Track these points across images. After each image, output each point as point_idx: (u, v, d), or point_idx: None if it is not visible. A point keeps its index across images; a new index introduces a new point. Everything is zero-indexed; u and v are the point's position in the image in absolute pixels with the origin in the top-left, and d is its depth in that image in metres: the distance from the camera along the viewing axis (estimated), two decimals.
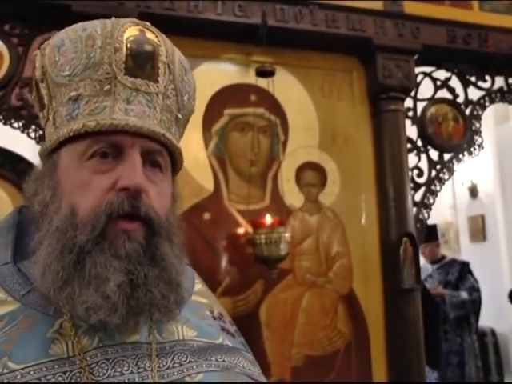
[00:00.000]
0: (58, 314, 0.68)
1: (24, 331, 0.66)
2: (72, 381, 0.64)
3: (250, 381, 0.77)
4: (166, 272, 0.69)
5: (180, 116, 0.77)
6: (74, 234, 0.66)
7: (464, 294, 4.04)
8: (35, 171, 0.76)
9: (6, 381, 0.61)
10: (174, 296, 0.70)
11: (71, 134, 0.69)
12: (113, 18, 0.74)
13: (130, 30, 0.72)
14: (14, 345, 0.64)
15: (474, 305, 4.05)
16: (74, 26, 0.74)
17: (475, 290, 4.10)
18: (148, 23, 0.76)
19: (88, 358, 0.66)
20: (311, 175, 2.24)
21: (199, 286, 0.89)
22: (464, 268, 4.22)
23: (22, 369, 0.63)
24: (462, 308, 3.99)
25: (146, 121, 0.71)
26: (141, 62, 0.71)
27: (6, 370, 0.62)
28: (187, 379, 0.71)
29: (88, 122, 0.69)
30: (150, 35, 0.73)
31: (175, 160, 0.79)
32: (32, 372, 0.63)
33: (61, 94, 0.72)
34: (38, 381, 0.62)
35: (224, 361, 0.76)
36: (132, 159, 0.69)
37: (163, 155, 0.74)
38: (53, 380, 0.63)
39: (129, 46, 0.70)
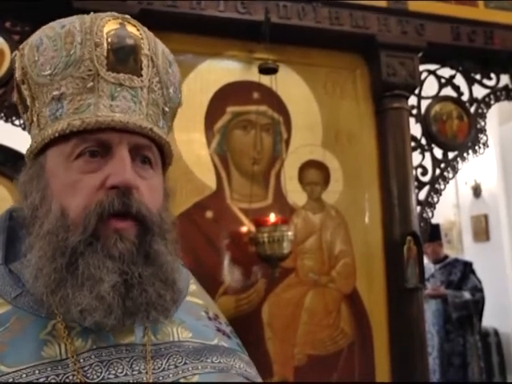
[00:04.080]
0: (50, 316, 0.67)
1: (16, 333, 0.65)
2: None
3: (247, 382, 0.76)
4: (161, 270, 0.69)
5: (167, 109, 0.76)
6: (65, 236, 0.65)
7: (467, 295, 4.01)
8: (23, 174, 0.75)
9: None
10: (170, 294, 0.69)
11: (56, 134, 0.68)
12: (91, 13, 0.72)
13: (110, 24, 0.70)
14: (6, 347, 0.63)
15: (477, 305, 4.03)
16: (51, 23, 0.73)
17: (478, 290, 4.08)
18: (128, 16, 0.74)
19: (81, 361, 0.65)
20: (314, 173, 2.22)
21: (194, 286, 0.88)
22: (467, 268, 4.20)
23: (14, 372, 0.62)
24: (465, 308, 3.97)
25: (132, 116, 0.69)
26: (123, 57, 0.69)
27: None
28: (182, 381, 0.70)
29: (73, 121, 0.67)
30: (130, 28, 0.71)
31: (165, 154, 0.77)
32: (24, 375, 0.62)
33: (43, 94, 0.70)
34: None
35: (220, 362, 0.75)
36: (120, 156, 0.67)
37: (152, 150, 0.73)
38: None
39: (109, 40, 0.69)
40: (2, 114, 1.87)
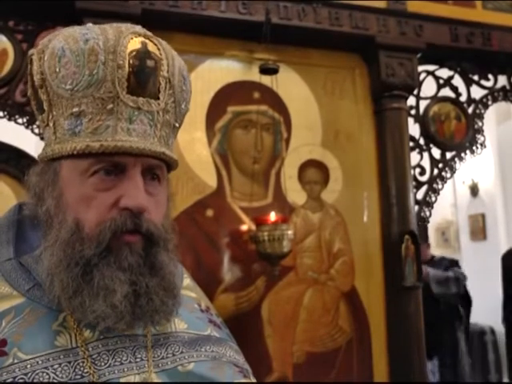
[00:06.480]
0: (60, 309, 0.73)
1: (31, 324, 0.71)
2: (76, 370, 0.69)
3: (236, 369, 0.84)
4: (165, 280, 0.75)
5: (177, 125, 0.81)
6: (80, 248, 0.71)
7: (449, 273, 4.00)
8: (36, 174, 0.78)
9: (17, 370, 0.67)
10: (172, 300, 0.76)
11: (75, 152, 0.72)
12: (114, 26, 0.73)
13: (133, 43, 0.72)
14: (23, 336, 0.69)
15: (458, 282, 3.99)
16: (72, 32, 0.73)
17: (461, 277, 4.04)
18: (150, 33, 0.76)
19: (90, 349, 0.72)
20: (314, 173, 2.24)
21: (187, 280, 0.96)
22: (452, 263, 4.19)
23: (30, 359, 0.68)
24: (446, 283, 3.92)
25: (148, 139, 0.73)
26: (143, 80, 0.72)
27: (16, 360, 0.67)
28: (180, 368, 0.77)
29: (92, 142, 0.71)
30: (151, 47, 0.73)
31: (170, 167, 0.82)
32: (40, 362, 0.68)
33: (62, 105, 0.73)
34: (45, 370, 0.67)
35: (213, 351, 0.83)
36: (135, 179, 0.72)
37: (162, 168, 0.78)
38: (59, 369, 0.68)
39: (131, 62, 0.71)
40: (6, 113, 1.88)
